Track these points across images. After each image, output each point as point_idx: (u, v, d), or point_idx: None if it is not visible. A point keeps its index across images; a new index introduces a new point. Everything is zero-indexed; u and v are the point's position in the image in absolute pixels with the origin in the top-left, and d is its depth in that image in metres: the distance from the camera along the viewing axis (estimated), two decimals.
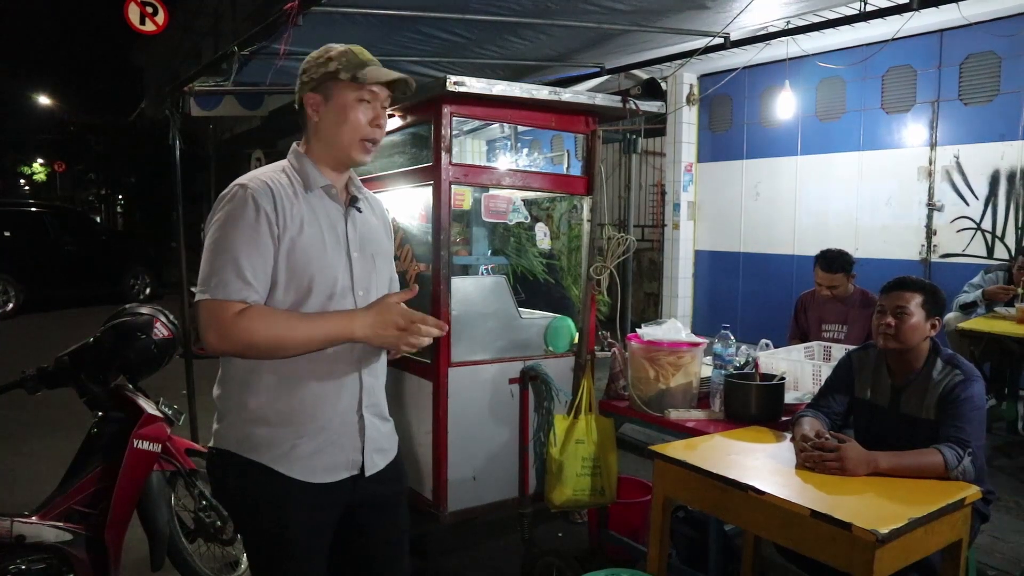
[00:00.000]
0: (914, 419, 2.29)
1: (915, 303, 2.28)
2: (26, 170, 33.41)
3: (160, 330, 2.71)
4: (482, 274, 3.64)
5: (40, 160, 32.16)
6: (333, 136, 1.62)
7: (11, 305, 10.56)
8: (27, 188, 34.61)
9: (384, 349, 1.69)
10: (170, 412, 2.74)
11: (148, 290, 12.42)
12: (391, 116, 3.19)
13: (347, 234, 1.64)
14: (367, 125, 1.61)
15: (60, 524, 2.43)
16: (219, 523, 2.90)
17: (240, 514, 1.67)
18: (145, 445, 2.56)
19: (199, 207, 18.23)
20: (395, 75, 1.62)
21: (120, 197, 27.93)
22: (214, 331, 1.46)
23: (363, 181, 1.81)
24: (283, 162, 1.66)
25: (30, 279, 10.78)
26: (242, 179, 1.57)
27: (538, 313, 3.49)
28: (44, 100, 28.52)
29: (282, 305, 1.54)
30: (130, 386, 2.69)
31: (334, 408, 1.61)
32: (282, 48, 3.45)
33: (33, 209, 12.30)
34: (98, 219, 24.95)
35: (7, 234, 10.90)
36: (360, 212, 1.70)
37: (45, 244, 11.25)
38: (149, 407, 2.64)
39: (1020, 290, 4.27)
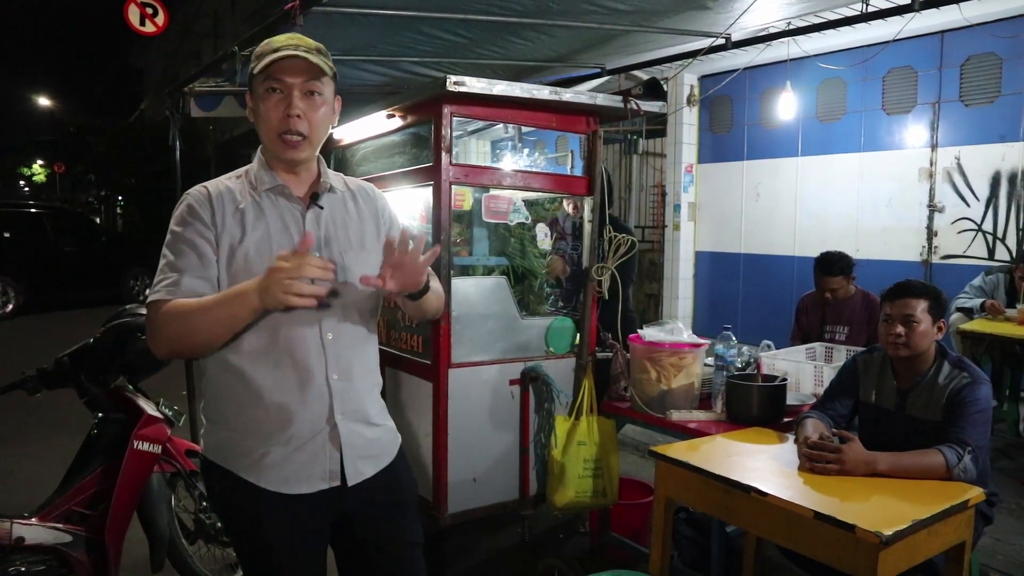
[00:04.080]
0: (920, 421, 2.29)
1: (921, 309, 2.28)
2: (26, 171, 33.42)
3: None
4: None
5: (40, 161, 32.18)
6: (261, 135, 1.58)
7: (11, 306, 10.56)
8: (27, 189, 34.63)
9: (366, 351, 1.65)
10: (170, 413, 2.74)
11: (147, 291, 12.38)
12: (391, 116, 3.18)
13: (304, 233, 1.55)
14: (279, 118, 1.52)
15: (60, 526, 2.42)
16: (219, 524, 2.89)
17: (223, 521, 1.67)
18: (145, 446, 2.55)
19: None
20: (281, 54, 1.49)
21: (120, 198, 27.90)
22: (148, 331, 1.50)
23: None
24: (246, 167, 1.64)
25: (30, 280, 10.78)
26: (195, 186, 1.59)
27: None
28: (44, 101, 28.57)
29: None
30: (130, 387, 2.68)
31: (301, 417, 1.54)
32: None
33: (33, 210, 12.29)
34: (98, 220, 24.94)
35: (7, 235, 10.90)
36: (322, 209, 1.61)
37: (45, 245, 11.25)
38: (149, 408, 2.63)
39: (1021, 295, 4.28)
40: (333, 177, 1.68)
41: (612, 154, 8.83)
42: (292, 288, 1.33)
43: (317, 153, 1.64)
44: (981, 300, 4.50)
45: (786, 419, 2.63)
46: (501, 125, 3.75)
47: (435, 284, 1.71)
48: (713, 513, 2.18)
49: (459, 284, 2.98)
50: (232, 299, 1.42)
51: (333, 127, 1.64)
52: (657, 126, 7.86)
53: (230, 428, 1.57)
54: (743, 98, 7.20)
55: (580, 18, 3.65)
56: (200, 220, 1.51)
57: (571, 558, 3.02)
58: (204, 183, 1.60)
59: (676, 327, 2.83)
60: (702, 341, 2.82)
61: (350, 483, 1.59)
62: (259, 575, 1.62)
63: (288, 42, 1.52)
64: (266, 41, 1.55)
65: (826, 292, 3.90)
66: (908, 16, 3.85)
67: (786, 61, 5.77)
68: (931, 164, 5.82)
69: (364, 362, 1.65)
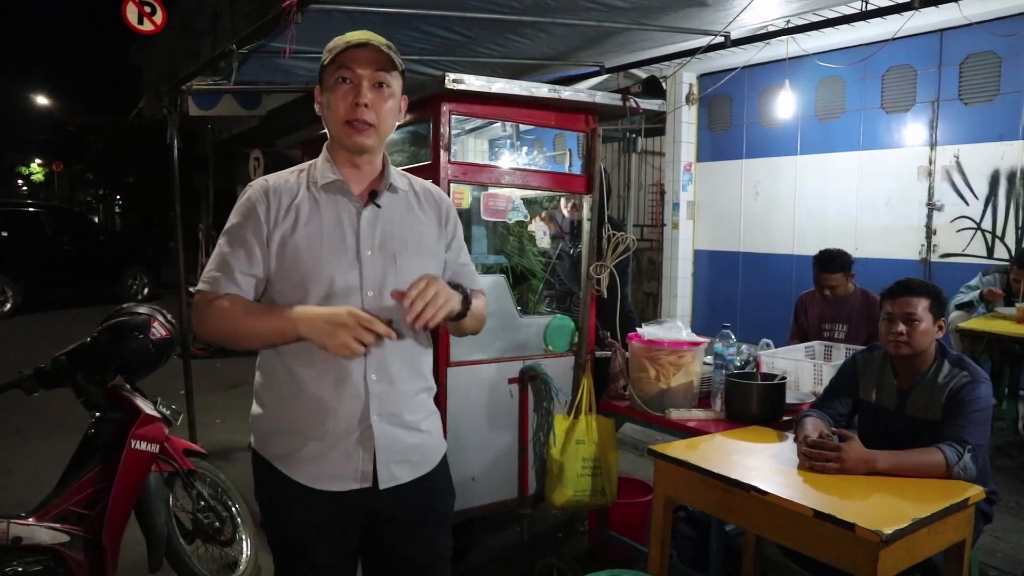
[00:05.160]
0: (920, 421, 2.28)
1: (923, 307, 2.27)
2: (24, 170, 33.38)
3: (158, 330, 2.70)
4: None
5: (38, 160, 32.13)
6: (328, 125, 1.59)
7: (9, 305, 10.54)
8: (25, 188, 34.59)
9: (415, 355, 1.65)
10: (168, 412, 2.73)
11: (146, 290, 12.43)
12: None
13: (358, 231, 1.56)
14: (348, 107, 1.53)
15: (57, 525, 2.41)
16: (217, 524, 2.89)
17: (260, 508, 1.69)
18: (143, 445, 2.54)
19: (197, 207, 18.22)
20: (353, 41, 1.52)
21: (118, 197, 27.90)
22: (194, 317, 1.57)
23: None
24: (312, 160, 1.66)
25: (28, 279, 10.76)
26: (258, 179, 1.63)
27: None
28: (42, 100, 28.51)
29: (284, 302, 1.54)
30: (128, 386, 2.67)
31: (337, 414, 1.54)
32: (287, 49, 3.43)
33: (31, 209, 12.28)
34: (96, 219, 24.93)
35: (5, 234, 10.87)
36: (380, 208, 1.59)
37: (43, 244, 11.23)
38: (147, 407, 2.62)
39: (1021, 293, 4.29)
40: (398, 176, 1.66)
41: (611, 152, 8.82)
42: (351, 348, 1.41)
43: (383, 148, 1.64)
44: (979, 290, 4.52)
45: (785, 418, 2.63)
46: (499, 123, 3.74)
47: (478, 304, 1.68)
48: (712, 512, 2.18)
49: None
50: (280, 325, 1.47)
51: (399, 123, 1.65)
52: (656, 124, 7.85)
53: (271, 418, 1.61)
54: (742, 96, 7.19)
55: (579, 16, 3.64)
56: (255, 216, 1.55)
57: (570, 557, 3.01)
58: (267, 176, 1.63)
59: (675, 326, 2.82)
60: (701, 340, 2.81)
61: (381, 486, 1.58)
62: (285, 566, 1.66)
63: (360, 36, 1.54)
64: (338, 37, 1.57)
65: (825, 289, 3.90)
66: (907, 14, 3.85)
67: (785, 59, 5.75)
68: (930, 163, 5.82)
69: (409, 366, 1.63)
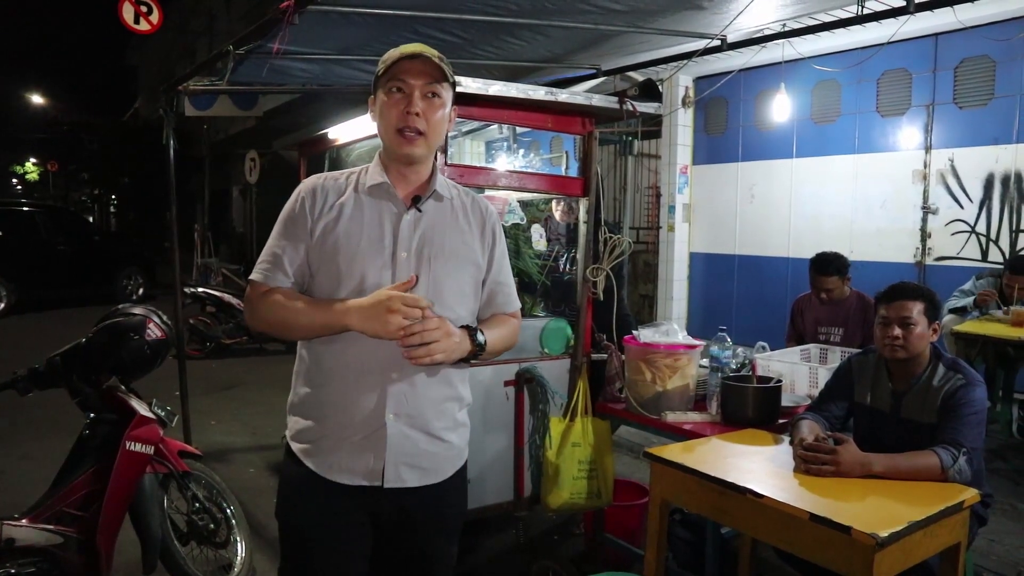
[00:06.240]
0: (916, 424, 2.29)
1: (918, 311, 2.28)
2: (19, 169, 33.30)
3: (153, 331, 2.69)
4: None
5: (33, 159, 32.05)
6: (381, 133, 1.64)
7: (3, 305, 10.50)
8: (20, 187, 34.50)
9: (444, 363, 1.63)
10: (163, 413, 2.72)
11: (141, 291, 12.39)
12: None
13: (397, 233, 1.60)
14: (399, 115, 1.57)
15: (51, 527, 2.41)
16: (212, 526, 2.88)
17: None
18: (137, 447, 2.54)
19: (193, 207, 18.19)
20: (404, 50, 1.57)
21: (113, 197, 27.80)
22: (246, 307, 1.66)
23: None
24: (364, 165, 1.71)
25: (22, 279, 10.73)
26: (311, 176, 1.70)
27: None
28: (37, 99, 28.43)
29: (319, 293, 1.60)
30: (123, 387, 2.66)
31: (356, 409, 1.57)
32: (275, 47, 3.42)
33: (25, 208, 12.26)
34: (91, 219, 24.86)
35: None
36: (421, 213, 1.62)
37: (38, 244, 11.20)
38: (142, 408, 2.62)
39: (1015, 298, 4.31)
40: (445, 185, 1.70)
41: (607, 155, 8.83)
42: (400, 329, 1.46)
43: (432, 158, 1.69)
44: (973, 297, 4.53)
45: (781, 420, 2.64)
46: (496, 126, 3.75)
47: (494, 339, 1.66)
48: (708, 515, 2.18)
49: None
50: (329, 319, 1.53)
51: (449, 134, 1.68)
52: (652, 127, 7.85)
53: (299, 409, 1.65)
54: (738, 100, 7.21)
55: (576, 18, 3.65)
56: (302, 210, 1.62)
57: (566, 560, 3.01)
58: (319, 174, 1.70)
59: (671, 328, 2.83)
60: (697, 342, 2.82)
61: (386, 485, 1.59)
62: (289, 555, 1.68)
63: (413, 48, 1.59)
64: (392, 49, 1.62)
65: (821, 292, 3.90)
66: (903, 18, 3.86)
67: (781, 63, 5.77)
68: (925, 166, 5.84)
69: (433, 371, 1.61)
